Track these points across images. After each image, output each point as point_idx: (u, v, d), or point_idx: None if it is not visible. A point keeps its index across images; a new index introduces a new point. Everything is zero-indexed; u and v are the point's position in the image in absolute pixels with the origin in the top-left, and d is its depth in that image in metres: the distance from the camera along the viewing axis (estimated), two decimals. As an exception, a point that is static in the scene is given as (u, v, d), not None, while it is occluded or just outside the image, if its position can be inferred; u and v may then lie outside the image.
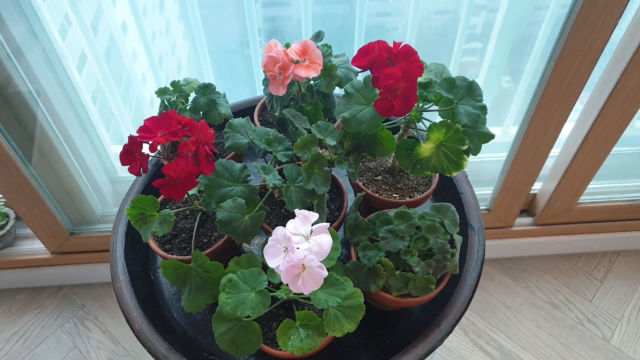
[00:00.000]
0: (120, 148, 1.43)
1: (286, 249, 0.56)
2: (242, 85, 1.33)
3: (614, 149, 1.29)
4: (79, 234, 1.43)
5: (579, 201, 1.45)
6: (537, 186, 1.47)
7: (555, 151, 1.35)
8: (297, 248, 0.55)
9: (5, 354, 1.44)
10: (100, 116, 1.33)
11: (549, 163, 1.36)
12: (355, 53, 0.66)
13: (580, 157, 1.31)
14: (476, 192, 1.44)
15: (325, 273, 0.55)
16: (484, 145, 0.72)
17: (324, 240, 0.56)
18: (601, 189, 1.47)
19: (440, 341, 0.73)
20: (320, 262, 0.56)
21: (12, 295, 1.55)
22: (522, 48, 1.23)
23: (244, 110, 0.99)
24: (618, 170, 1.47)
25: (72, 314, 1.52)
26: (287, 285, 0.56)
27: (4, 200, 1.45)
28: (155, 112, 1.35)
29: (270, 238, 0.57)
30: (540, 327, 1.46)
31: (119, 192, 1.48)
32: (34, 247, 1.47)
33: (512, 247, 1.57)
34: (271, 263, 0.56)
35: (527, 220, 1.51)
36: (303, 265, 0.55)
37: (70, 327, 1.49)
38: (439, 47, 1.28)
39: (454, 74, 0.73)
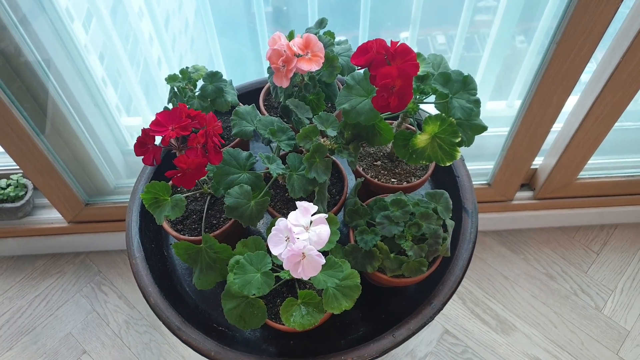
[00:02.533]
0: (129, 119, 1.48)
1: (288, 238, 0.61)
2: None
3: (615, 124, 1.31)
4: (94, 204, 1.50)
5: (578, 176, 1.49)
6: (537, 161, 1.50)
7: (557, 126, 1.37)
8: (298, 238, 0.60)
9: (30, 315, 1.54)
10: (110, 86, 1.36)
11: (550, 138, 1.39)
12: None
13: (581, 134, 1.33)
14: (478, 167, 1.50)
15: (323, 261, 0.61)
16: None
17: (322, 231, 0.61)
18: (601, 165, 1.50)
19: (432, 317, 0.79)
20: (327, 240, 0.61)
21: (33, 261, 1.64)
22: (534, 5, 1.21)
23: (250, 92, 1.03)
24: (618, 146, 1.49)
25: (89, 279, 1.60)
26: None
27: (22, 171, 1.51)
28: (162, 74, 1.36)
29: (273, 228, 0.63)
30: (535, 297, 1.53)
31: (131, 165, 1.54)
32: (52, 216, 1.54)
33: (511, 220, 1.61)
34: (274, 251, 0.62)
35: (527, 194, 1.55)
36: (303, 253, 0.60)
37: (88, 291, 1.58)
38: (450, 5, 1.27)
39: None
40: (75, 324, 1.52)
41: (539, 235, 1.64)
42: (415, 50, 0.70)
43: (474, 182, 1.48)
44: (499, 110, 1.49)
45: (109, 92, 1.36)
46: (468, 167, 0.95)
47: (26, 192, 1.52)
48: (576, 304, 1.51)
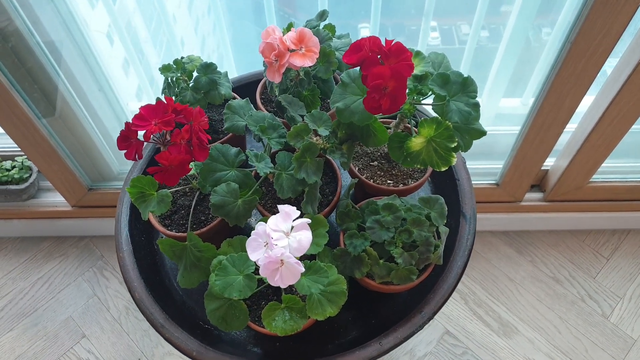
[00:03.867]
0: (135, 103, 1.45)
1: (267, 243, 0.59)
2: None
3: (631, 127, 1.25)
4: (97, 189, 1.50)
5: (591, 179, 1.43)
6: (549, 162, 1.45)
7: (571, 127, 1.32)
8: (276, 245, 0.57)
9: (32, 297, 1.56)
10: (118, 70, 1.35)
11: (563, 139, 1.34)
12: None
13: (596, 136, 1.28)
14: (486, 166, 1.46)
15: (302, 269, 0.58)
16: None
17: (303, 238, 0.58)
18: (614, 168, 1.45)
19: (421, 326, 0.76)
20: (308, 247, 0.59)
21: (37, 243, 1.65)
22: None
23: (248, 84, 1.00)
24: (634, 149, 1.43)
25: (92, 263, 1.61)
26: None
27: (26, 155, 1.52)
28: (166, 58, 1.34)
29: (252, 232, 0.60)
30: (540, 301, 1.49)
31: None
32: (56, 199, 1.54)
33: (520, 221, 1.57)
34: (252, 256, 0.60)
35: (537, 195, 1.51)
36: (281, 260, 0.58)
37: (90, 275, 1.59)
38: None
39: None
40: (76, 308, 1.53)
41: (547, 237, 1.60)
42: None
43: (482, 182, 1.45)
44: (513, 108, 1.44)
45: (115, 76, 1.35)
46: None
47: (30, 175, 1.52)
48: (582, 309, 1.47)
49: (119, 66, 1.39)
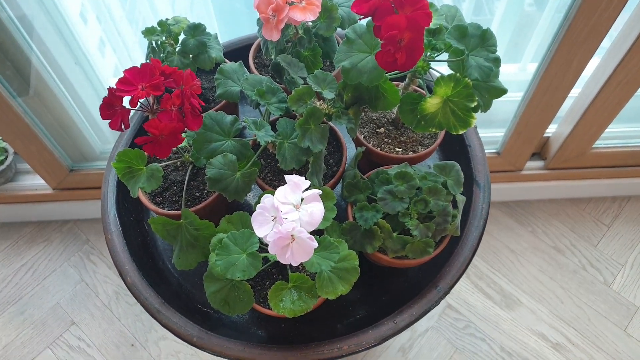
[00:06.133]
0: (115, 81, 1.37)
1: (275, 218, 0.53)
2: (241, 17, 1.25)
3: (638, 91, 1.21)
4: (79, 170, 1.41)
5: (594, 145, 1.39)
6: (551, 129, 1.40)
7: (574, 92, 1.27)
8: (286, 219, 0.51)
9: (15, 285, 1.48)
10: (95, 42, 1.26)
11: (566, 105, 1.29)
12: None
13: (601, 100, 1.23)
14: (487, 135, 1.40)
15: (316, 244, 0.53)
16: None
17: (315, 210, 0.53)
18: (618, 133, 1.41)
19: (437, 302, 0.71)
20: (321, 220, 0.53)
21: (18, 229, 1.57)
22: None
23: (239, 50, 0.92)
24: (638, 113, 1.39)
25: (77, 248, 1.54)
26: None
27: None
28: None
29: (258, 205, 0.54)
30: (542, 271, 1.46)
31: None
32: (36, 182, 1.46)
33: (520, 191, 1.53)
34: (259, 232, 0.54)
35: (537, 164, 1.46)
36: (292, 236, 0.52)
37: (76, 260, 1.52)
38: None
39: None
40: (64, 295, 1.46)
41: (548, 207, 1.56)
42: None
43: (482, 151, 1.39)
44: (511, 74, 1.38)
45: (93, 48, 1.25)
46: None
47: (6, 157, 1.43)
48: (584, 278, 1.45)
49: (95, 42, 1.29)
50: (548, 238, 1.51)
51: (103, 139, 1.42)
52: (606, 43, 1.16)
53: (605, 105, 1.24)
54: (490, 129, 1.40)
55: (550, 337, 1.36)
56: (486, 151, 1.39)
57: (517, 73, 1.38)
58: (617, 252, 1.49)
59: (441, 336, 1.37)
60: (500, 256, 1.49)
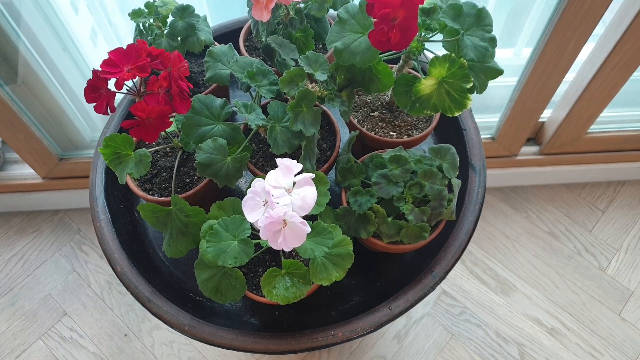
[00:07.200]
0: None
1: (266, 202, 0.51)
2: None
3: (633, 74, 1.20)
4: (69, 159, 1.39)
5: (588, 130, 1.38)
6: (546, 114, 1.39)
7: (569, 76, 1.26)
8: (278, 203, 0.50)
9: (6, 276, 1.46)
10: (84, 34, 1.23)
11: (561, 89, 1.28)
12: None
13: (596, 84, 1.22)
14: (482, 120, 1.39)
15: (308, 229, 0.51)
16: None
17: (307, 194, 0.51)
18: (613, 118, 1.40)
19: (433, 287, 0.70)
20: (314, 205, 0.51)
21: (7, 219, 1.55)
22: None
23: (229, 33, 0.90)
24: (634, 98, 1.38)
25: (68, 238, 1.52)
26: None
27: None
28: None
29: (249, 190, 0.53)
30: (537, 257, 1.46)
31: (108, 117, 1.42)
32: (25, 172, 1.43)
33: (515, 176, 1.52)
34: (250, 217, 0.52)
35: (532, 149, 1.45)
36: (284, 220, 0.50)
37: (67, 251, 1.50)
38: None
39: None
40: (55, 285, 1.45)
41: (543, 192, 1.56)
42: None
43: (477, 136, 1.38)
44: (506, 59, 1.37)
45: (83, 37, 1.22)
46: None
47: (-6, 146, 1.40)
48: (579, 263, 1.44)
49: (86, 31, 1.26)
50: (543, 223, 1.51)
51: (93, 127, 1.39)
52: (600, 30, 1.15)
53: (600, 90, 1.23)
54: (485, 114, 1.39)
55: (546, 322, 1.36)
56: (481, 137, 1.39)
57: (511, 58, 1.36)
58: (612, 236, 1.49)
59: (437, 322, 1.37)
60: (495, 242, 1.49)
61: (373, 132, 0.75)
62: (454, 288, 1.42)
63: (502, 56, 1.37)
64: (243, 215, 0.62)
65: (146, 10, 0.75)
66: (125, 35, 1.25)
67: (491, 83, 1.38)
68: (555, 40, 1.09)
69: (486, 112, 1.39)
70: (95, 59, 1.28)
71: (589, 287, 1.41)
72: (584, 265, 1.44)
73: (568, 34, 1.07)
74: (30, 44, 1.12)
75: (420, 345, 1.34)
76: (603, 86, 1.22)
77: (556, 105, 1.36)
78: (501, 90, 1.33)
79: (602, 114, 1.33)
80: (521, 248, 1.47)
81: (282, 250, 0.68)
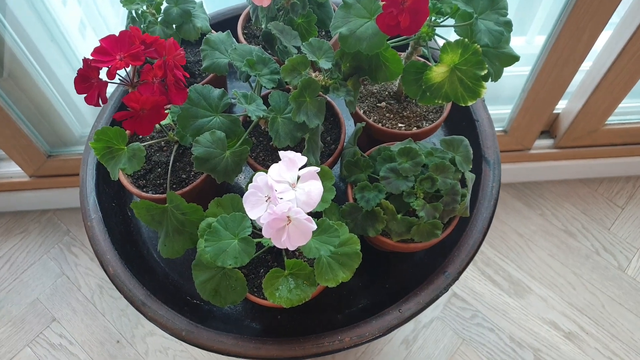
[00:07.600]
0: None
1: (269, 198, 0.48)
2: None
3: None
4: (57, 156, 1.35)
5: (606, 122, 1.34)
6: (561, 105, 1.35)
7: (585, 65, 1.21)
8: (281, 198, 0.46)
9: (-8, 278, 1.42)
10: (73, 26, 1.19)
11: (576, 79, 1.23)
12: None
13: (613, 74, 1.18)
14: (493, 112, 1.33)
15: (314, 226, 0.47)
16: None
17: (312, 189, 0.47)
18: (632, 109, 1.35)
19: (446, 289, 0.66)
20: (319, 200, 0.48)
21: (-7, 220, 1.51)
22: None
23: (226, 20, 0.87)
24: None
25: (57, 239, 1.48)
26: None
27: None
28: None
29: (250, 185, 0.49)
30: (553, 256, 1.41)
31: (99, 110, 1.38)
32: (11, 169, 1.39)
33: (528, 171, 1.48)
34: (252, 214, 0.48)
35: (547, 142, 1.41)
36: (288, 217, 0.46)
37: (56, 253, 1.46)
38: None
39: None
40: (43, 289, 1.40)
41: (558, 188, 1.51)
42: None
43: (489, 130, 1.34)
44: (518, 47, 1.32)
45: (72, 29, 1.19)
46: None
47: (-17, 144, 1.37)
48: (597, 263, 1.39)
49: (75, 23, 1.23)
50: (558, 221, 1.46)
51: (83, 122, 1.36)
52: (617, 18, 1.10)
53: (618, 79, 1.19)
54: (497, 106, 1.34)
55: (562, 326, 1.31)
56: (493, 130, 1.34)
57: (524, 46, 1.32)
58: (632, 234, 1.43)
59: (447, 327, 1.32)
60: (508, 241, 1.44)
61: (380, 124, 0.71)
62: (465, 290, 1.37)
63: (514, 44, 1.31)
64: (243, 212, 0.58)
65: (140, -3, 0.71)
66: (115, 26, 1.21)
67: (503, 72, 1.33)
68: (571, 28, 1.05)
69: (497, 103, 1.34)
70: (85, 50, 1.24)
71: (608, 288, 1.36)
72: (602, 265, 1.39)
73: (584, 21, 1.03)
74: (17, 34, 1.08)
75: (430, 350, 1.29)
76: (621, 75, 1.18)
77: (572, 96, 1.31)
78: (513, 80, 1.28)
79: (620, 105, 1.28)
80: (535, 247, 1.42)
81: (285, 249, 0.64)
